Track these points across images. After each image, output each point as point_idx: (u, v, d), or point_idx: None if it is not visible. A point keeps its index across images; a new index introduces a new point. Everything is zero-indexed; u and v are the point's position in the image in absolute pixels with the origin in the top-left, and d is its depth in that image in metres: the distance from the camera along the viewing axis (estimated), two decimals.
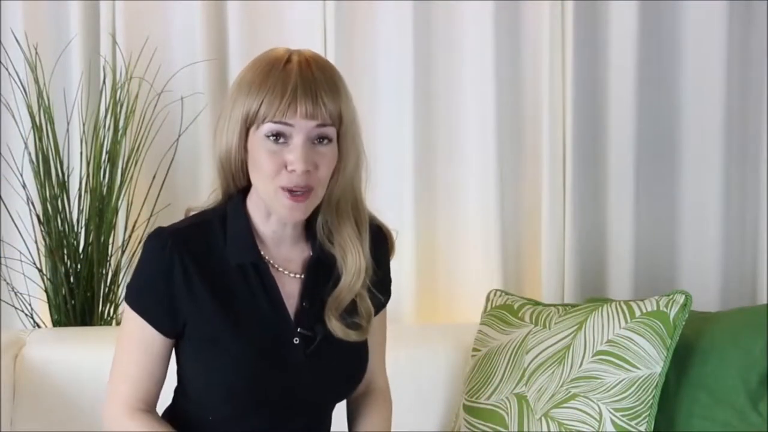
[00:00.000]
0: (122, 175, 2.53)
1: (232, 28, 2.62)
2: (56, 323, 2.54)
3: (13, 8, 2.64)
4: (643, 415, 1.92)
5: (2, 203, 2.60)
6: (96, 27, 2.64)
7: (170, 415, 1.68)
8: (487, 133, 2.59)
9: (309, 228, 1.65)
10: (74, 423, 2.20)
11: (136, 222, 2.58)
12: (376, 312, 1.67)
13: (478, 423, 2.07)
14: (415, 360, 2.23)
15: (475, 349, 2.18)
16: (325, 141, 1.54)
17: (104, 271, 2.53)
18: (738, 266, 2.64)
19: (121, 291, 2.56)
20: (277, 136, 1.52)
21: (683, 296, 1.96)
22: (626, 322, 1.97)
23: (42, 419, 2.22)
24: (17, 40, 2.56)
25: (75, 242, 2.52)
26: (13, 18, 2.63)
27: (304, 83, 1.51)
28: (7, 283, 2.59)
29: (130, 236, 2.58)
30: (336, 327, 1.61)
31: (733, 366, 1.99)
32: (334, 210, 1.62)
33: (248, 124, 1.54)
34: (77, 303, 2.52)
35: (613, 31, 2.57)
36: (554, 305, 2.18)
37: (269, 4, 2.64)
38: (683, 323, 1.95)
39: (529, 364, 2.05)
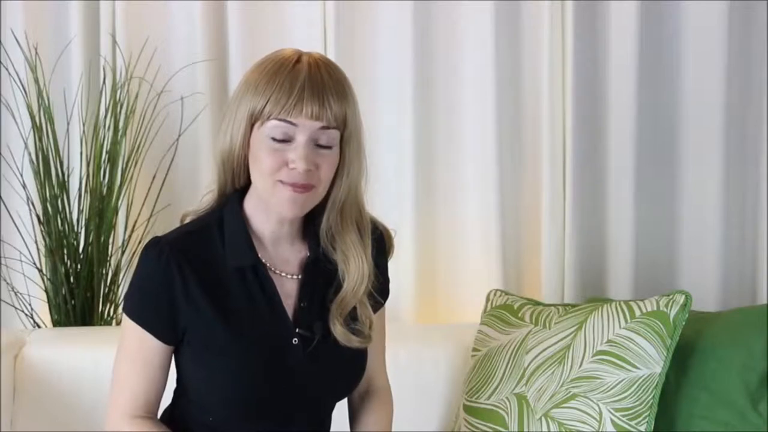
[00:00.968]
0: (122, 175, 2.53)
1: (232, 28, 2.61)
2: (56, 323, 2.54)
3: (13, 8, 2.64)
4: (643, 415, 1.92)
5: (2, 203, 2.60)
6: (96, 27, 2.64)
7: (170, 416, 1.68)
8: (487, 133, 2.59)
9: (306, 228, 1.65)
10: (74, 423, 2.20)
11: (136, 222, 2.58)
12: (374, 312, 1.67)
13: (478, 423, 2.07)
14: (415, 360, 2.23)
15: (475, 349, 2.18)
16: (327, 147, 1.54)
17: (104, 271, 2.53)
18: (738, 266, 2.63)
19: (121, 291, 2.56)
20: (280, 137, 1.52)
21: (683, 296, 1.96)
22: (626, 322, 1.97)
23: (42, 419, 2.21)
24: (17, 40, 2.56)
25: (75, 242, 2.52)
26: (13, 18, 2.62)
27: (312, 84, 1.51)
28: (7, 283, 2.59)
29: (130, 236, 2.58)
30: (340, 333, 1.61)
31: (733, 366, 1.99)
32: (338, 214, 1.62)
33: (253, 121, 1.54)
34: (77, 303, 2.52)
35: (613, 31, 2.56)
36: (554, 305, 2.18)
37: (269, 4, 2.64)
38: (683, 323, 1.95)
39: (529, 364, 2.05)
